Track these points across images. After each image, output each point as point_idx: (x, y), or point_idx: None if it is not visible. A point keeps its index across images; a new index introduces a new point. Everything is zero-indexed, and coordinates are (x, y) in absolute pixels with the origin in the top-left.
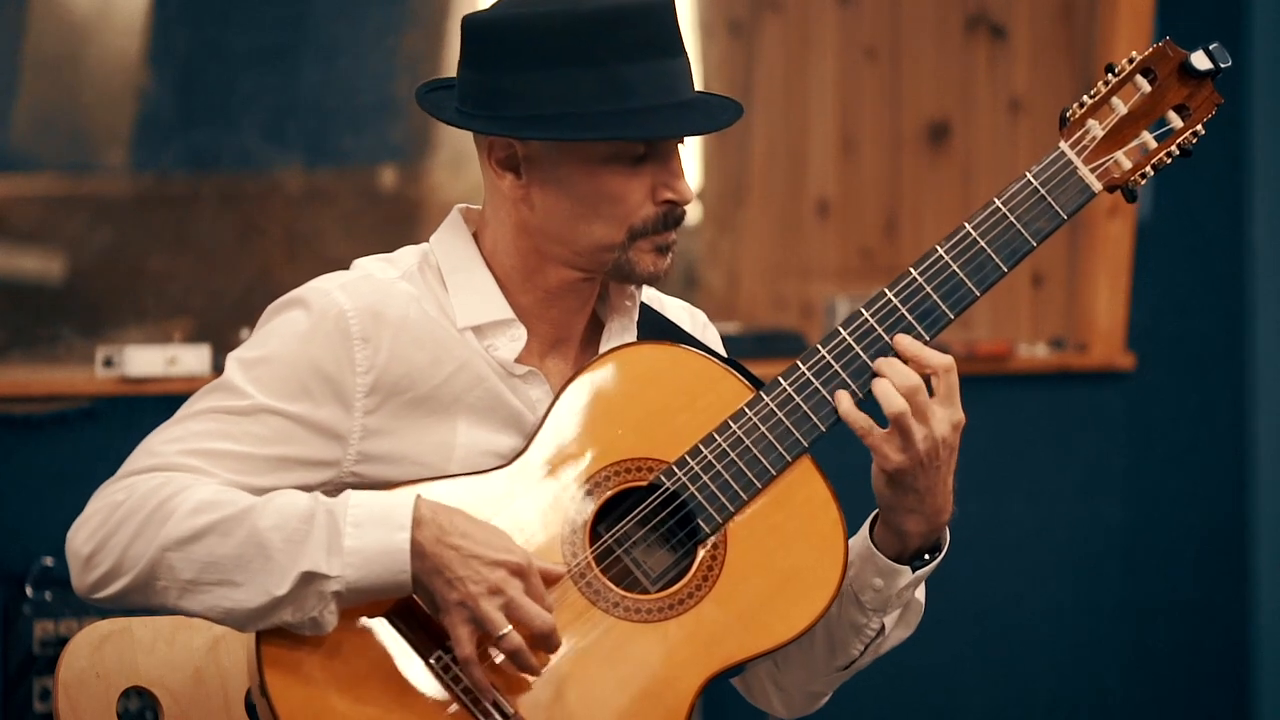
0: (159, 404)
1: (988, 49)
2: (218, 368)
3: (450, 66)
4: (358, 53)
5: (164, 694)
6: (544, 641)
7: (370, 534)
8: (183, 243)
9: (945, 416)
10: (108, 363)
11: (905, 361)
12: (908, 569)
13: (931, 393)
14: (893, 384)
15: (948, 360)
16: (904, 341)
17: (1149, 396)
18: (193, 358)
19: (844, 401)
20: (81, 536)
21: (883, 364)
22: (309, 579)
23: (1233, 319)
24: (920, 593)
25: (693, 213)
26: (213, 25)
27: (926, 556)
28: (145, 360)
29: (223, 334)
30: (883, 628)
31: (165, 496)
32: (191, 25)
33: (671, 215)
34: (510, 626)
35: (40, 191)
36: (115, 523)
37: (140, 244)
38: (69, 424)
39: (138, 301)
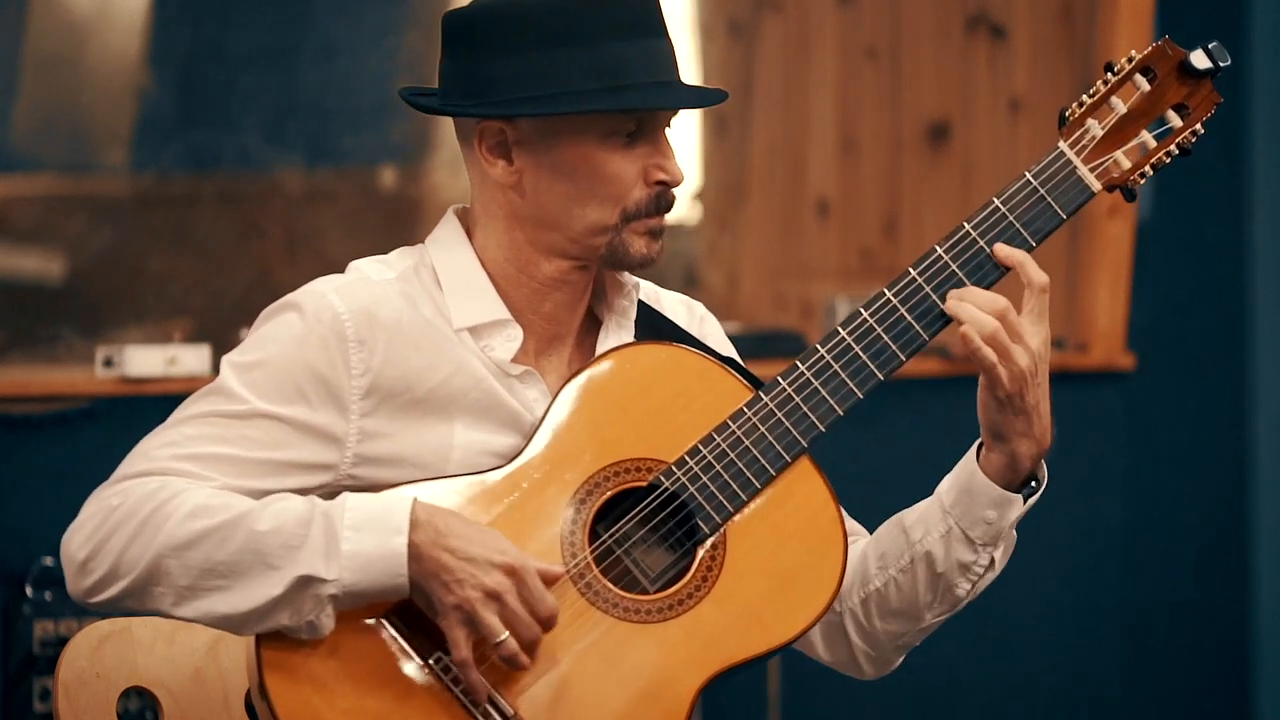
0: (159, 404)
1: (988, 49)
2: (218, 368)
3: None
4: (358, 53)
5: (164, 694)
6: (540, 645)
7: (368, 538)
8: (183, 243)
9: (1036, 332)
10: (108, 363)
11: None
12: (1019, 498)
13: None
14: (978, 308)
15: (1044, 279)
16: (1004, 251)
17: (1149, 396)
18: (193, 358)
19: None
20: (77, 541)
21: (965, 291)
22: (305, 583)
23: (1233, 319)
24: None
25: (693, 212)
26: (213, 25)
27: (1033, 484)
28: (145, 360)
29: (223, 334)
30: (992, 561)
31: (161, 501)
32: (191, 25)
33: (664, 198)
34: (507, 632)
35: (40, 191)
36: (111, 527)
37: (140, 244)
38: (69, 424)
39: (138, 301)
